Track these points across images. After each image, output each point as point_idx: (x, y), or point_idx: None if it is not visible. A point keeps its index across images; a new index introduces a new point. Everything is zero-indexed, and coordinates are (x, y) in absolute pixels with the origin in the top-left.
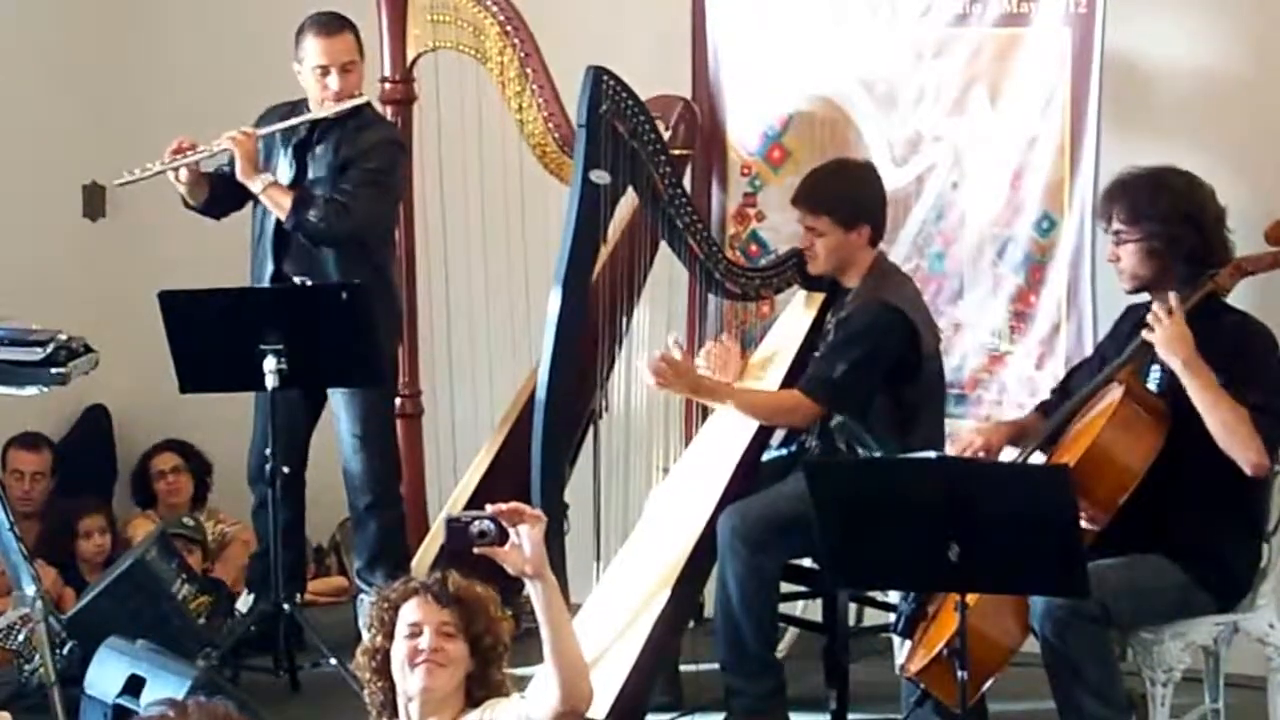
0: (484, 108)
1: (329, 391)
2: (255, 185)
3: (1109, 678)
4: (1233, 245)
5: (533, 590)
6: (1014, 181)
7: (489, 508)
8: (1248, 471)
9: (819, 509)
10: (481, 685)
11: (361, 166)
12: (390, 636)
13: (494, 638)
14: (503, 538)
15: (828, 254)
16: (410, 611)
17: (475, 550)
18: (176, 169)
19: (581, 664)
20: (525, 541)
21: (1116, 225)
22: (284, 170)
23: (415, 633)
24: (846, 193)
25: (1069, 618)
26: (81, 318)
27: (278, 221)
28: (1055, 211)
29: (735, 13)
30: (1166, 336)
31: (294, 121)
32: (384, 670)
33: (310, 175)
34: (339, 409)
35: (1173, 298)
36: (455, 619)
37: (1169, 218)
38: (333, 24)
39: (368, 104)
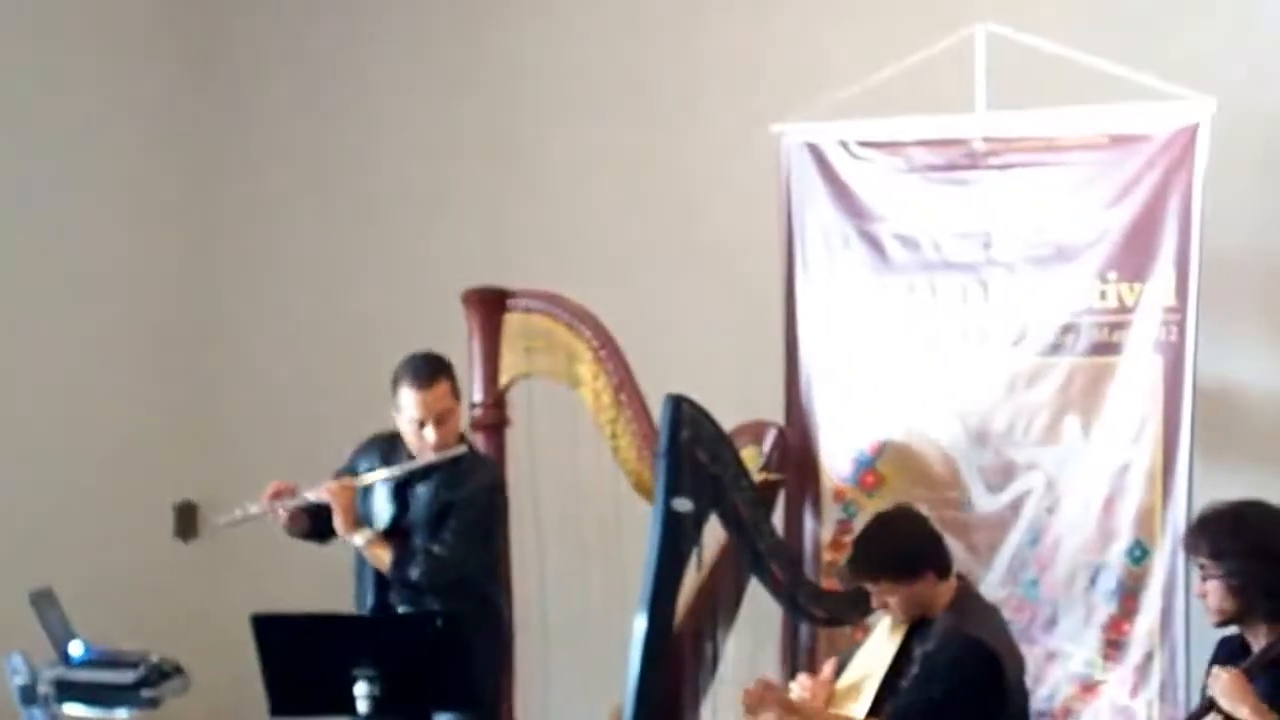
0: (579, 434)
1: (434, 716)
2: (355, 540)
3: None
4: None
5: None
6: (1106, 508)
7: None
8: None
9: None
10: None
11: (461, 516)
12: None
13: None
14: None
15: (904, 608)
16: None
17: None
18: (274, 512)
19: None
20: None
21: (1201, 560)
22: (384, 508)
23: None
24: (896, 549)
25: None
26: (173, 640)
27: (383, 525)
28: (1147, 539)
29: (827, 338)
30: (1228, 692)
31: (395, 472)
32: None
33: (410, 518)
34: None
35: (1229, 667)
36: None
37: (1250, 555)
38: (427, 375)
39: (469, 450)
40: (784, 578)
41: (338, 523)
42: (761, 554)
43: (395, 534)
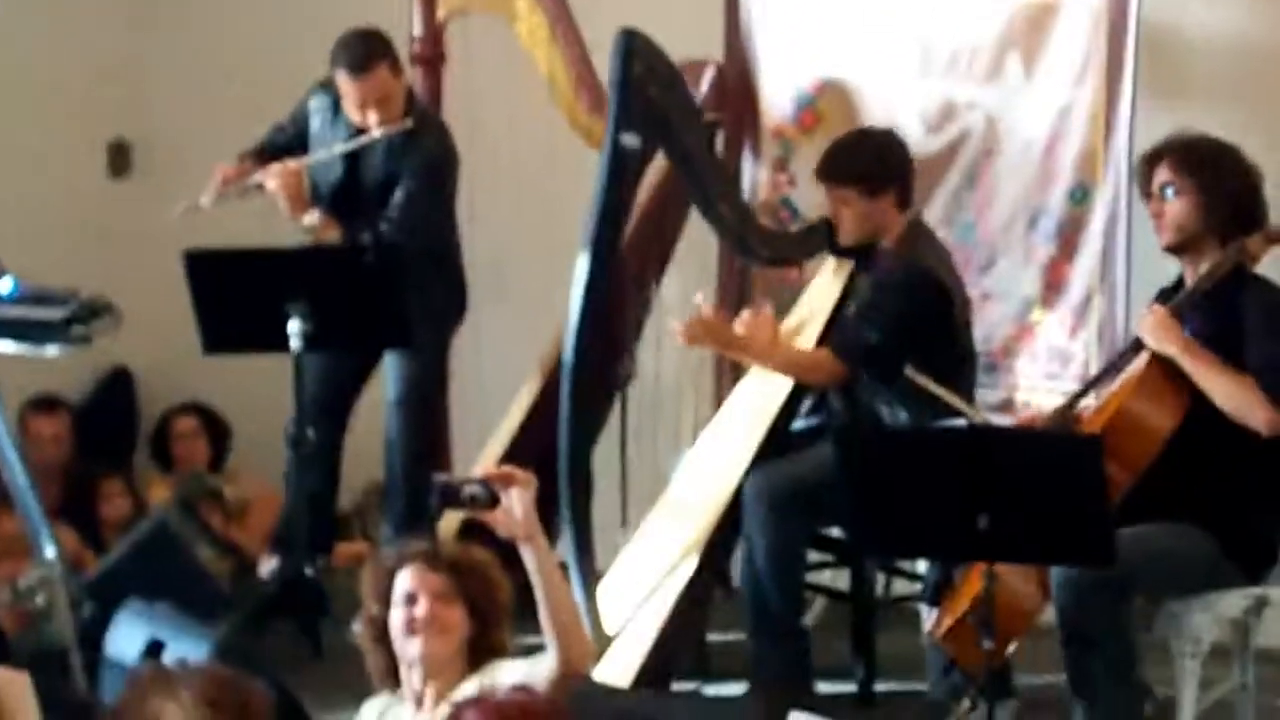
0: (515, 70)
1: (385, 355)
2: (304, 223)
3: (1125, 655)
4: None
5: (525, 554)
6: (1047, 150)
7: (478, 471)
8: (1263, 433)
9: (847, 477)
10: (483, 648)
11: (411, 185)
12: (387, 604)
13: (492, 601)
14: (493, 502)
15: (856, 224)
16: (405, 579)
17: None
18: (225, 197)
19: (578, 627)
20: (516, 505)
21: (1165, 177)
22: (335, 178)
23: (411, 600)
24: (868, 161)
25: (1088, 586)
26: (105, 277)
27: (333, 188)
28: (1089, 180)
29: None
30: (1154, 330)
31: (338, 150)
32: (383, 638)
33: (360, 186)
34: (387, 373)
35: (1156, 305)
36: (451, 584)
37: (1221, 172)
38: (362, 62)
39: (417, 117)
40: (733, 218)
41: (286, 208)
42: (712, 194)
43: (347, 203)
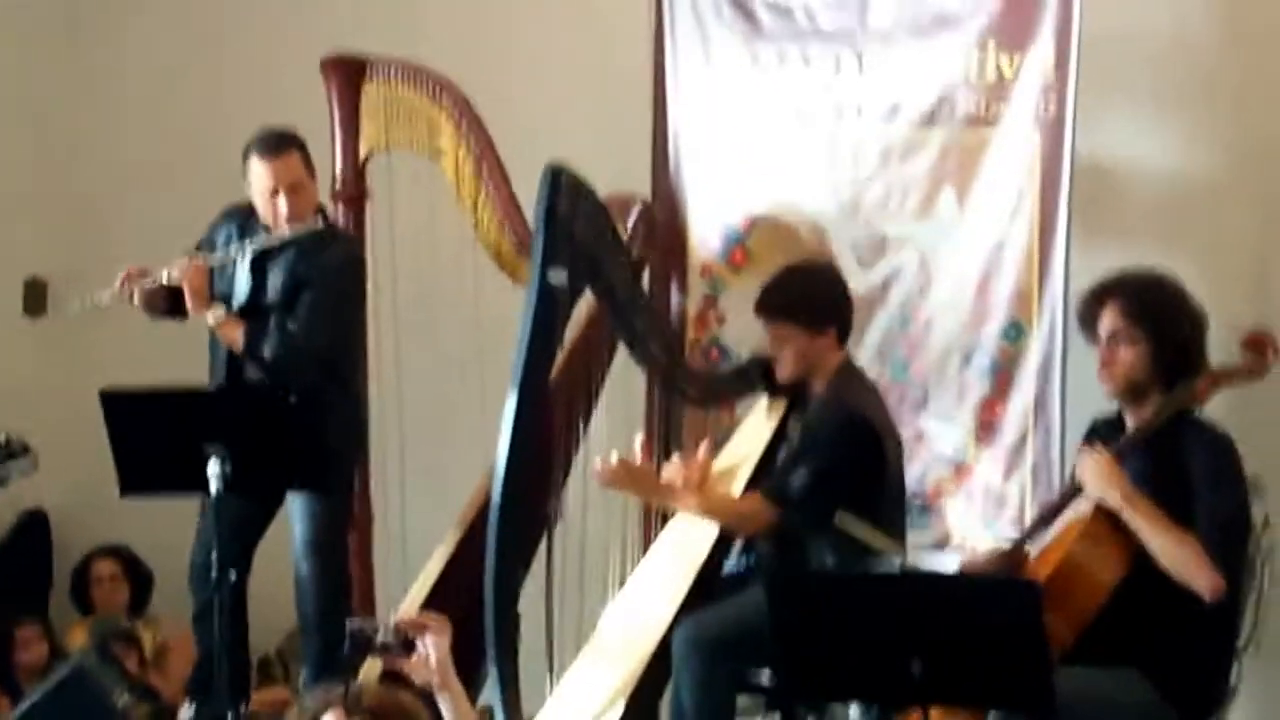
0: (440, 207)
1: (288, 496)
2: (208, 319)
3: None
4: None
5: (441, 702)
6: (981, 287)
7: (392, 618)
8: (1206, 598)
9: (778, 623)
10: None
11: (317, 291)
12: None
13: None
14: (406, 648)
15: (795, 359)
16: None
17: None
18: (127, 298)
19: None
20: (430, 651)
21: (1114, 325)
22: (241, 285)
23: None
24: (810, 296)
25: None
26: (20, 418)
27: (239, 301)
28: (1023, 318)
29: (697, 112)
30: (1096, 476)
31: (247, 250)
32: None
33: (266, 294)
34: (293, 515)
35: (1099, 447)
36: None
37: (1173, 320)
38: (275, 145)
39: (325, 221)
40: (661, 357)
41: (190, 303)
42: (640, 332)
43: (251, 313)
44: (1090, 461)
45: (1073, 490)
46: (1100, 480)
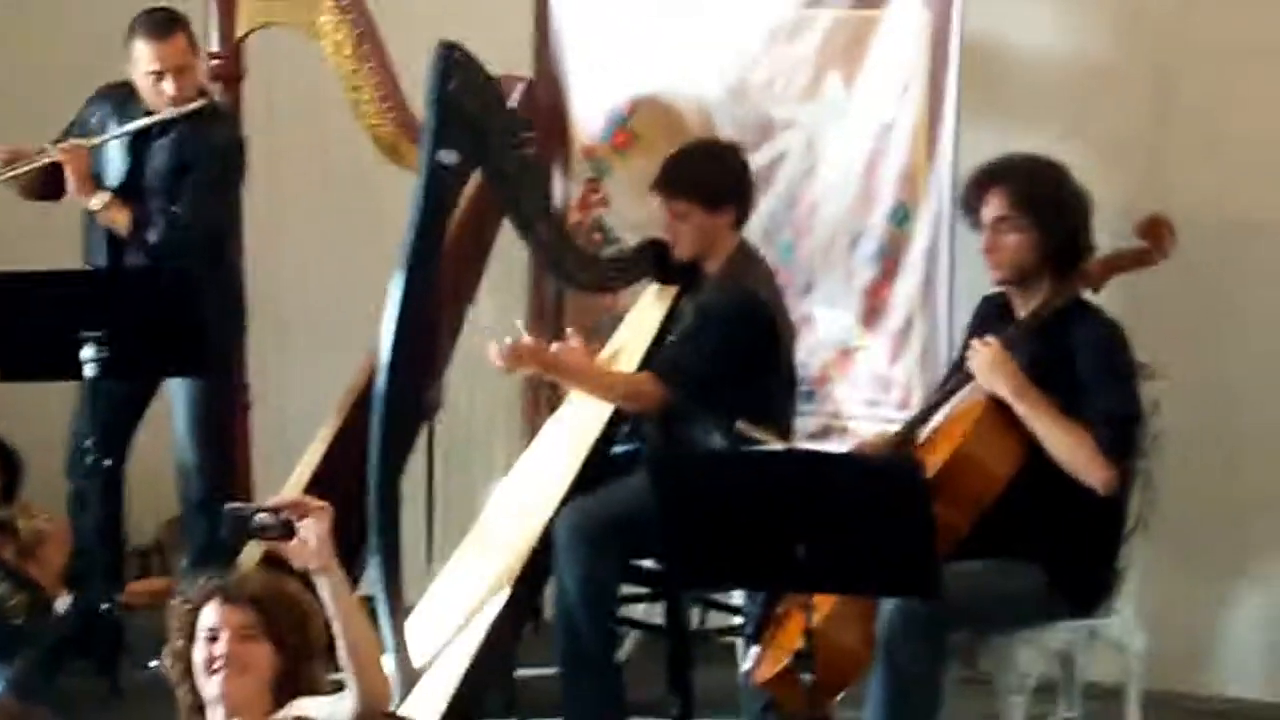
0: (319, 87)
1: (167, 381)
2: (91, 204)
3: (927, 713)
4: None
5: (320, 586)
6: (868, 171)
7: (271, 500)
8: (1099, 491)
9: (662, 505)
10: (292, 684)
11: (201, 173)
12: (191, 639)
13: (300, 636)
14: (286, 531)
15: (692, 238)
16: (208, 614)
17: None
18: (4, 180)
19: (375, 662)
20: (310, 535)
21: (999, 211)
22: (118, 167)
23: (212, 637)
24: (710, 174)
25: (910, 621)
26: None
27: (119, 179)
28: (910, 201)
29: None
30: (988, 369)
31: (130, 128)
32: (190, 674)
33: (147, 175)
34: (174, 400)
35: (989, 338)
36: (255, 620)
37: (1060, 207)
38: (162, 27)
39: (209, 104)
40: (551, 240)
41: (72, 187)
42: (530, 214)
43: (131, 193)
44: (981, 353)
45: (964, 376)
46: (992, 372)
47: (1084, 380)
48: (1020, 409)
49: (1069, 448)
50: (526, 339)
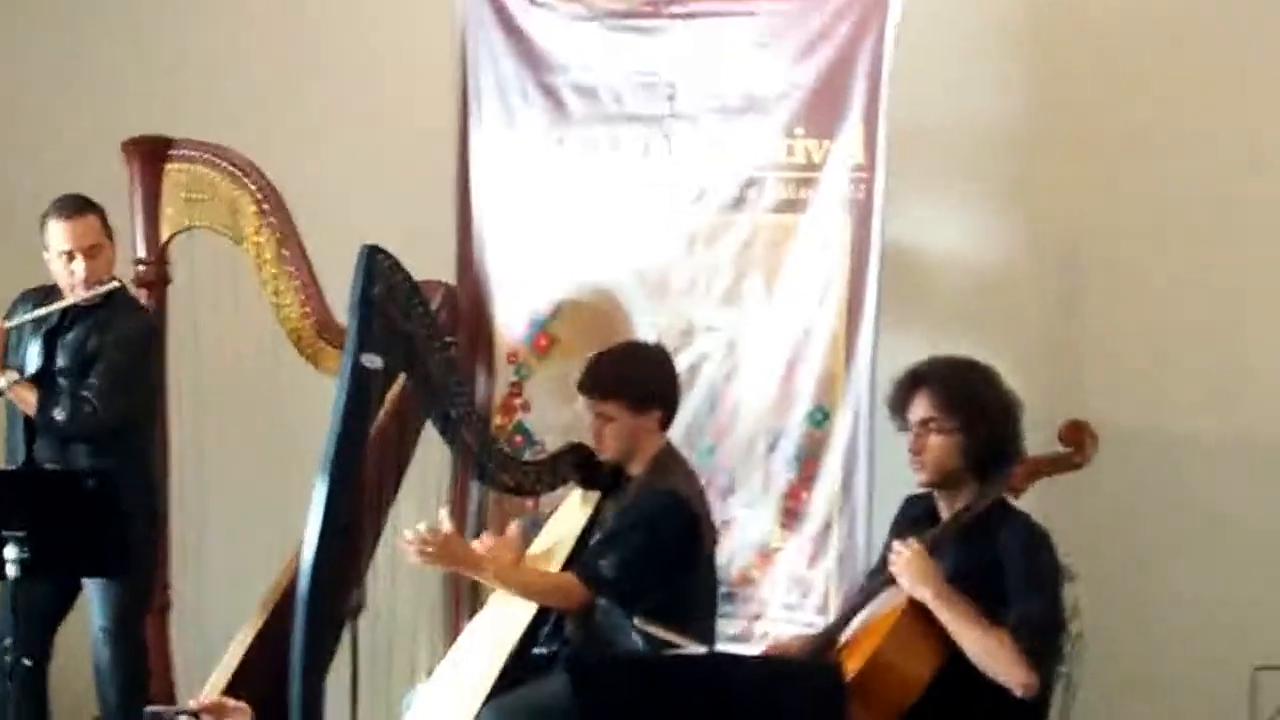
0: (242, 291)
1: (84, 582)
2: (0, 382)
3: None
4: None
5: None
6: (788, 373)
7: (192, 703)
8: (1018, 694)
9: (580, 706)
10: None
11: (110, 360)
12: None
13: None
14: None
15: (616, 439)
16: None
17: None
18: None
19: None
20: None
21: (925, 412)
22: (33, 357)
23: None
24: (636, 375)
25: None
26: None
27: (32, 373)
28: (829, 404)
29: (503, 198)
30: (909, 572)
31: (43, 312)
32: None
33: (59, 363)
34: (92, 601)
35: (912, 541)
36: None
37: (986, 409)
38: (73, 207)
39: (120, 289)
40: (475, 443)
41: None
42: (453, 418)
43: (46, 382)
44: (903, 556)
45: (885, 579)
46: (913, 575)
47: (1008, 584)
48: (941, 614)
49: (989, 652)
50: (447, 526)
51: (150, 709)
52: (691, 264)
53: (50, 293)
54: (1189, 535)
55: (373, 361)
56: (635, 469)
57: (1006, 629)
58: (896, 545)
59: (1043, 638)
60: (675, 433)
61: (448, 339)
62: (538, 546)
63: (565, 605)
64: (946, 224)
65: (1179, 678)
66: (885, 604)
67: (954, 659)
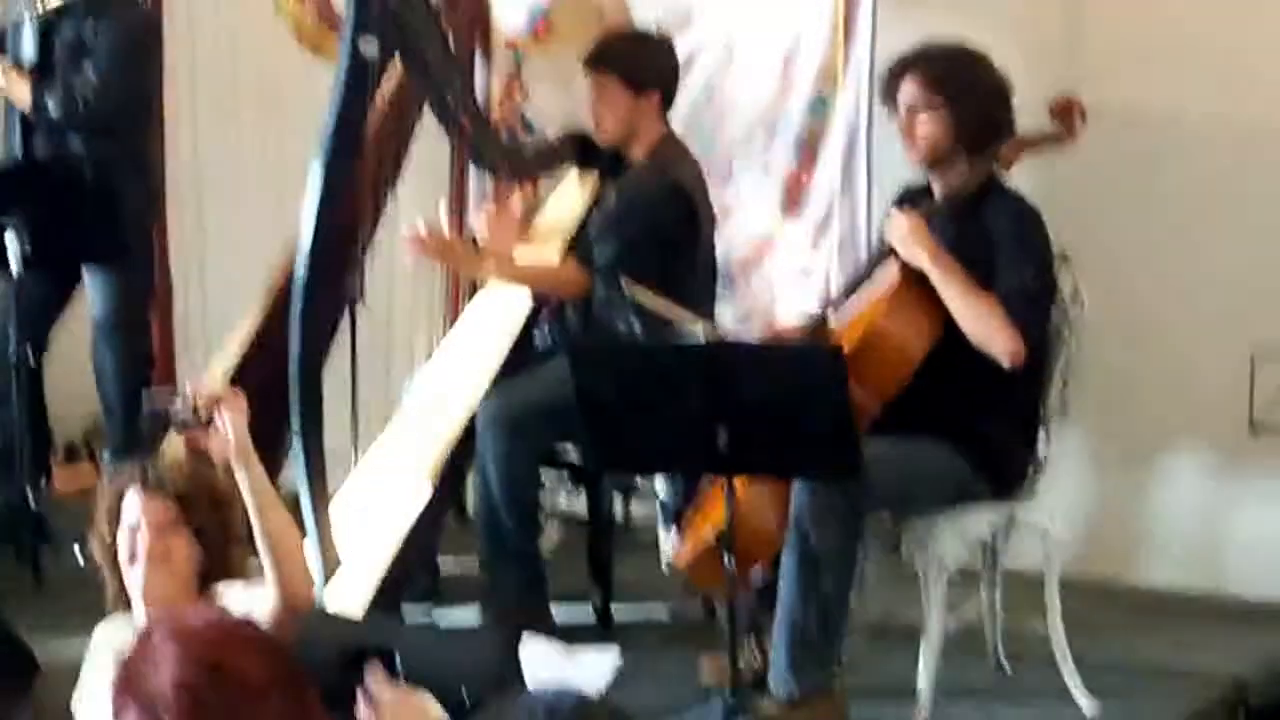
0: None
1: (84, 275)
2: None
3: (841, 594)
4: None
5: (239, 477)
6: (786, 61)
7: (188, 390)
8: (1004, 363)
9: (581, 393)
10: (214, 573)
11: (105, 49)
12: (116, 526)
13: (219, 526)
14: (205, 422)
15: (615, 120)
16: (129, 504)
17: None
18: None
19: (295, 554)
20: (226, 425)
21: (913, 94)
22: (29, 49)
23: (134, 527)
24: (638, 55)
25: (828, 501)
26: None
27: (26, 63)
28: (828, 92)
29: None
30: (905, 235)
31: (39, 6)
32: (116, 561)
33: (56, 53)
34: (90, 293)
35: (908, 209)
36: (173, 511)
37: (973, 86)
38: None
39: None
40: (472, 129)
41: None
42: (448, 103)
43: (41, 74)
44: (898, 221)
45: (877, 258)
46: (908, 239)
47: (998, 258)
48: (934, 274)
49: (978, 316)
50: (444, 222)
51: (148, 395)
52: None
53: None
54: (1185, 218)
55: (368, 46)
56: (636, 154)
57: (996, 296)
58: (892, 211)
59: (1030, 305)
60: (674, 121)
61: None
62: (536, 229)
63: (566, 293)
64: None
65: (1178, 362)
66: (880, 282)
67: (947, 336)
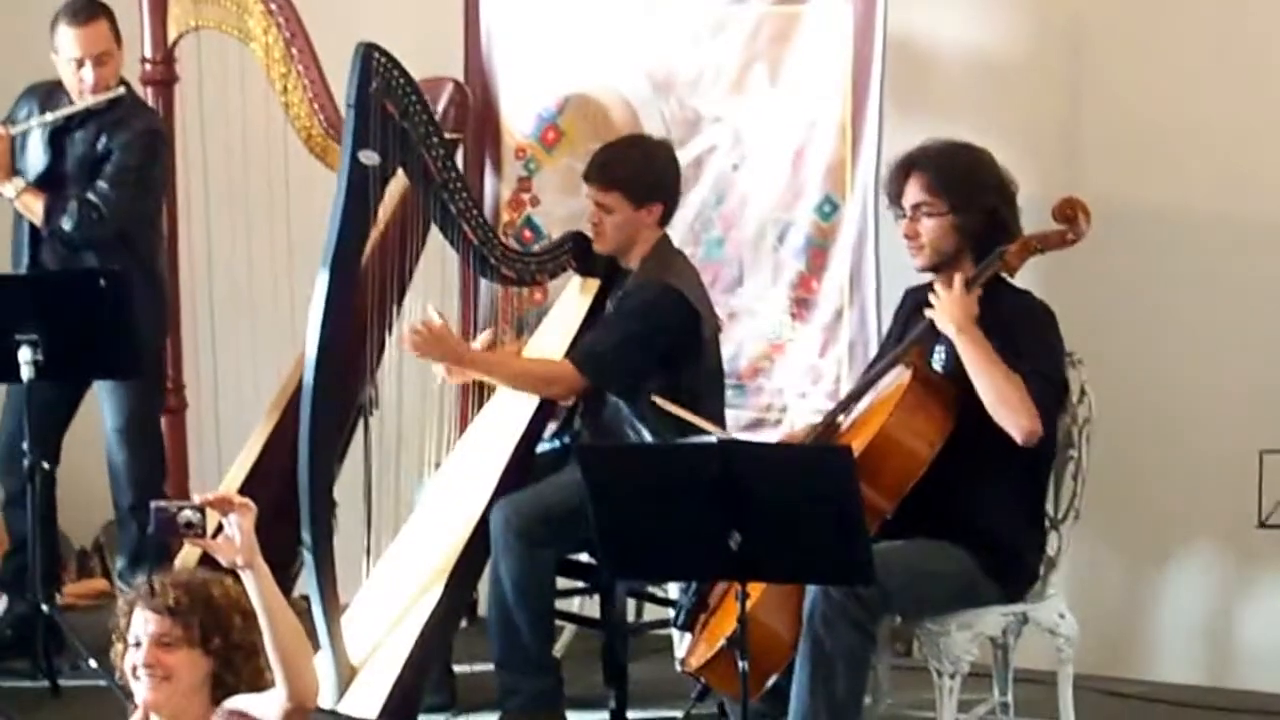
0: (249, 90)
1: (96, 385)
2: (7, 191)
3: (853, 696)
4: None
5: (246, 582)
6: (795, 164)
7: (196, 498)
8: (1019, 439)
9: (593, 496)
10: (227, 683)
11: (118, 162)
12: (126, 643)
13: (225, 638)
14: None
15: (615, 231)
16: (136, 620)
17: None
18: None
19: (304, 657)
20: (235, 531)
21: (918, 197)
22: (39, 158)
23: (136, 643)
24: (640, 168)
25: (841, 605)
26: None
27: (38, 174)
28: (837, 194)
29: None
30: (945, 305)
31: (49, 118)
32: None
33: (66, 166)
34: (103, 403)
35: (956, 276)
36: (173, 627)
37: (977, 189)
38: (84, 13)
39: (127, 93)
40: (476, 237)
41: None
42: (453, 213)
43: (49, 186)
44: (942, 295)
45: (887, 363)
46: (953, 307)
47: (1016, 344)
48: (963, 346)
49: (1002, 389)
50: (436, 319)
51: (156, 502)
52: (696, 55)
53: (54, 90)
54: (1192, 317)
55: (370, 158)
56: (631, 263)
57: (1021, 374)
58: (939, 286)
59: (1051, 390)
60: (682, 225)
61: (451, 135)
62: (538, 336)
63: (562, 392)
64: (949, 12)
65: (1185, 461)
66: (888, 385)
67: (954, 439)
